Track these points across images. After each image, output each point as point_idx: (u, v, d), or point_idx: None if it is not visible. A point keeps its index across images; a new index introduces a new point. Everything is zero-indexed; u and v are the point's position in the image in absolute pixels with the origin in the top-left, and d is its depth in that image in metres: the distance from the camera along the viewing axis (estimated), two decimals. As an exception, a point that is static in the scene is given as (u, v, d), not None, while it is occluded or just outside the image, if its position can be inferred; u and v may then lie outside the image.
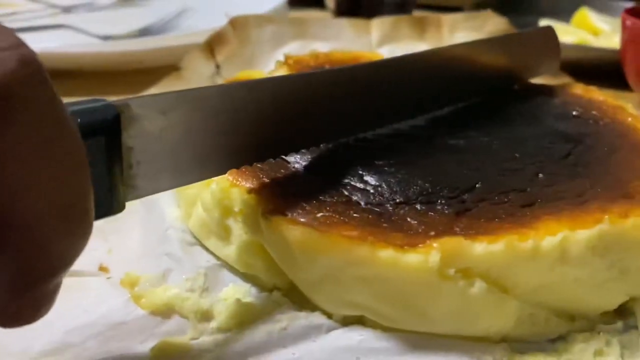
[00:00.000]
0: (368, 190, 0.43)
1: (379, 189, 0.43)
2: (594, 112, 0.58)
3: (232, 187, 0.44)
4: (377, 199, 0.43)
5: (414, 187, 0.43)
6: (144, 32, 1.00)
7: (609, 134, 0.53)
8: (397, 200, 0.42)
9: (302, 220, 0.39)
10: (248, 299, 0.43)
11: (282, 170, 0.46)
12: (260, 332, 0.39)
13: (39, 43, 0.88)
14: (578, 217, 0.40)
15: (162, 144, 0.35)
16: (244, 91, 0.40)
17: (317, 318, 0.41)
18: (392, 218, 0.40)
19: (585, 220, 0.39)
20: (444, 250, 0.36)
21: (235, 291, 0.44)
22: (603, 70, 0.89)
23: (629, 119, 0.56)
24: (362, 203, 0.42)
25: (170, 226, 0.50)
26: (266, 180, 0.44)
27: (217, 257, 0.47)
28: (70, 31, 0.99)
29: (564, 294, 0.40)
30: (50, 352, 0.39)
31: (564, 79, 0.79)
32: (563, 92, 0.63)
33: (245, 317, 0.41)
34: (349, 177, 0.45)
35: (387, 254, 0.37)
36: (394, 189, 0.43)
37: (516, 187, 0.44)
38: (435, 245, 0.37)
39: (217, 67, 0.82)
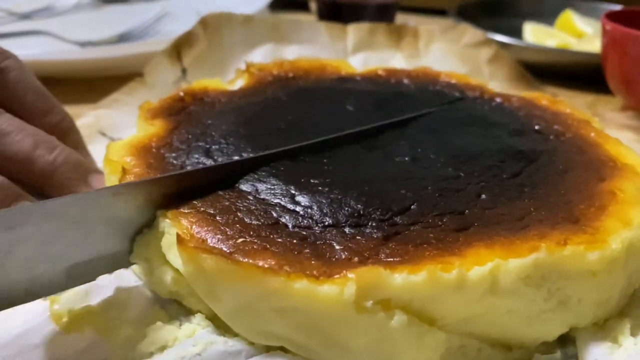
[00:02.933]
0: (297, 212, 0.41)
1: (309, 210, 0.41)
2: (556, 127, 0.55)
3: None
4: (305, 221, 0.40)
5: (346, 209, 0.41)
6: (124, 37, 0.98)
7: (567, 151, 0.50)
8: (326, 223, 0.40)
9: (219, 247, 0.37)
10: (171, 323, 0.41)
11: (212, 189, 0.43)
12: (170, 356, 0.37)
13: (16, 50, 0.86)
14: (513, 244, 0.37)
15: (13, 258, 0.35)
16: (108, 197, 0.39)
17: (237, 344, 0.39)
18: (317, 242, 0.38)
19: (520, 248, 0.37)
20: (360, 282, 0.34)
21: (158, 315, 0.42)
22: (584, 74, 0.87)
23: (592, 134, 0.54)
24: (290, 226, 0.40)
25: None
26: (193, 201, 0.42)
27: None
28: (48, 37, 0.97)
29: (496, 325, 0.38)
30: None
31: (536, 89, 0.77)
32: (528, 104, 0.60)
33: (165, 342, 0.39)
34: (281, 197, 0.43)
35: (301, 284, 0.34)
36: (325, 211, 0.41)
37: (454, 209, 0.41)
38: (351, 275, 0.34)
39: (183, 71, 0.80)
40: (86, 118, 0.70)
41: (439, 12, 1.16)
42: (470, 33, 0.86)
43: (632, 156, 0.50)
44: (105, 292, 0.43)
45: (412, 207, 0.42)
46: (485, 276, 0.35)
